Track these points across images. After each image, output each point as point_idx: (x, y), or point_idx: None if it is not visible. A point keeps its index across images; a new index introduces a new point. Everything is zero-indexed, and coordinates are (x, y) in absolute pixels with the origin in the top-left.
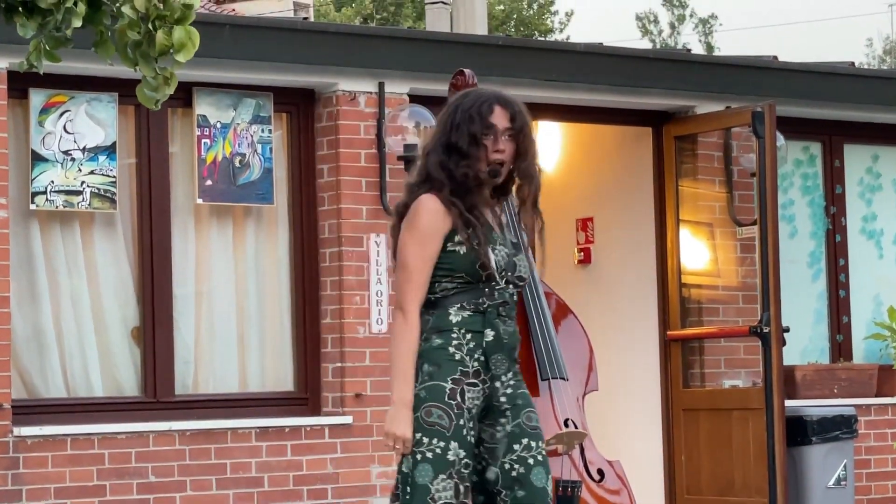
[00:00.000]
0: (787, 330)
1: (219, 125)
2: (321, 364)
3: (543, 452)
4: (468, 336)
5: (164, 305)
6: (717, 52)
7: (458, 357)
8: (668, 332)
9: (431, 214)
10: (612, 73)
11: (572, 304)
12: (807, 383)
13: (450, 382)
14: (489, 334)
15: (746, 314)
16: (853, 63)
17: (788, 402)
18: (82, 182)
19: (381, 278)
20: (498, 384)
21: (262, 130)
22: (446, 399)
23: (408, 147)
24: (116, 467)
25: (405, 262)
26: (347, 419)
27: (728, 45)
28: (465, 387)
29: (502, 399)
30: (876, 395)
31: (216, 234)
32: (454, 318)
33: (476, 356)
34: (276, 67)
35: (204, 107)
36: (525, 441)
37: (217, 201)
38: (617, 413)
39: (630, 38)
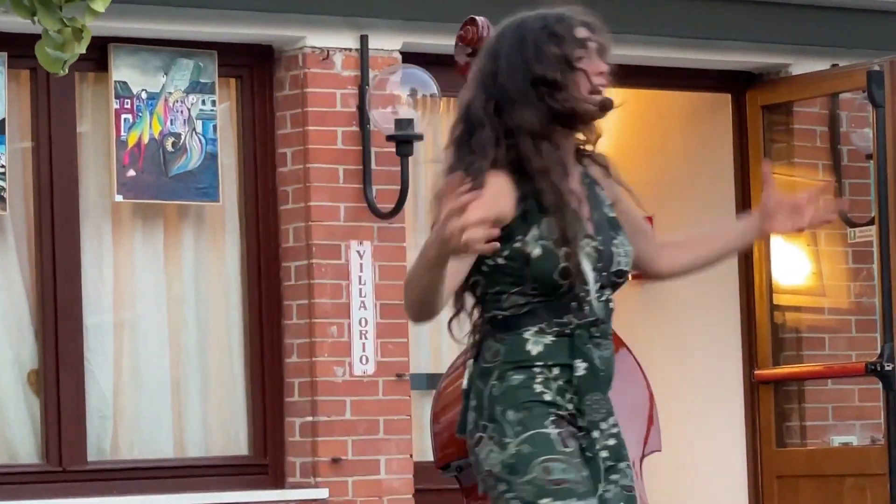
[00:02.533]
0: None
1: (144, 95)
2: (285, 419)
3: None
4: (555, 370)
5: (72, 341)
6: None
7: (548, 398)
8: (756, 372)
9: (494, 189)
10: (677, 22)
11: (625, 335)
12: None
13: (552, 426)
14: (580, 366)
15: (862, 346)
16: None
17: None
18: None
19: (365, 301)
20: (596, 433)
21: (203, 102)
22: (560, 448)
23: (401, 123)
24: None
25: None
26: (322, 493)
27: None
28: (567, 433)
29: (603, 454)
30: None
31: (141, 243)
32: (533, 349)
33: (568, 396)
34: (222, 16)
35: (124, 70)
36: None
37: (142, 198)
38: (688, 482)
39: None
